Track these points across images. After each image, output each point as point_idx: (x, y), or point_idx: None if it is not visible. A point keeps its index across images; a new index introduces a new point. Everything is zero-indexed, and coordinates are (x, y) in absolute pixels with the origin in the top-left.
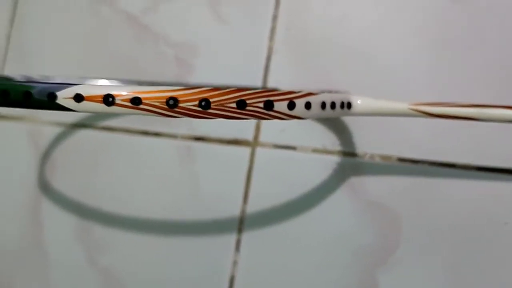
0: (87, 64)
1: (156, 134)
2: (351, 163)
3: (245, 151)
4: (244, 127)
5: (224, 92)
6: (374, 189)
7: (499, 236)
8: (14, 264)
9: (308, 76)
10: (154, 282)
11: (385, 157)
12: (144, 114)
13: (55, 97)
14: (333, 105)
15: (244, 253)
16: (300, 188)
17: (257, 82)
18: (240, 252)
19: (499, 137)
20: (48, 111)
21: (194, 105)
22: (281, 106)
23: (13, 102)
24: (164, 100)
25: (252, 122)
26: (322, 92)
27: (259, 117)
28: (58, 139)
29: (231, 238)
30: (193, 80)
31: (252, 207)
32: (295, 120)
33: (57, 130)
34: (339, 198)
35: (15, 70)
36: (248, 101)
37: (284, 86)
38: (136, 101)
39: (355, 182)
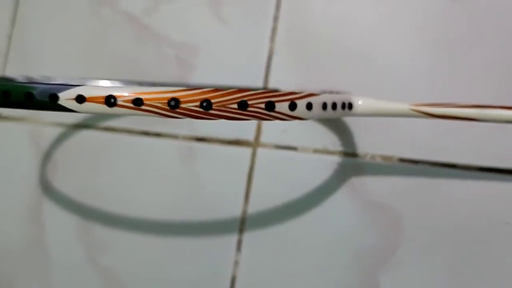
0: (88, 64)
1: (157, 135)
2: (352, 163)
3: (246, 151)
4: (245, 128)
5: (225, 93)
6: (375, 189)
7: (499, 236)
8: (15, 264)
9: (309, 76)
10: (155, 282)
11: (386, 158)
12: (145, 115)
13: (57, 98)
14: (334, 106)
15: (246, 253)
16: (301, 188)
17: (258, 83)
18: (242, 252)
19: (500, 138)
20: (50, 112)
21: (195, 106)
22: (282, 106)
23: (14, 103)
24: (166, 101)
25: (253, 122)
26: (323, 92)
27: (260, 117)
28: (59, 140)
29: (233, 238)
30: (194, 80)
31: (253, 207)
32: (296, 121)
33: (58, 130)
34: (340, 198)
35: (17, 70)
36: (249, 102)
37: (285, 87)
38: (137, 102)
39: (356, 182)
